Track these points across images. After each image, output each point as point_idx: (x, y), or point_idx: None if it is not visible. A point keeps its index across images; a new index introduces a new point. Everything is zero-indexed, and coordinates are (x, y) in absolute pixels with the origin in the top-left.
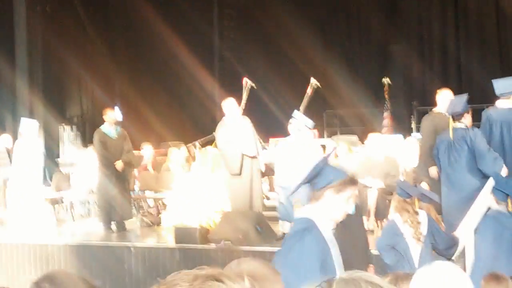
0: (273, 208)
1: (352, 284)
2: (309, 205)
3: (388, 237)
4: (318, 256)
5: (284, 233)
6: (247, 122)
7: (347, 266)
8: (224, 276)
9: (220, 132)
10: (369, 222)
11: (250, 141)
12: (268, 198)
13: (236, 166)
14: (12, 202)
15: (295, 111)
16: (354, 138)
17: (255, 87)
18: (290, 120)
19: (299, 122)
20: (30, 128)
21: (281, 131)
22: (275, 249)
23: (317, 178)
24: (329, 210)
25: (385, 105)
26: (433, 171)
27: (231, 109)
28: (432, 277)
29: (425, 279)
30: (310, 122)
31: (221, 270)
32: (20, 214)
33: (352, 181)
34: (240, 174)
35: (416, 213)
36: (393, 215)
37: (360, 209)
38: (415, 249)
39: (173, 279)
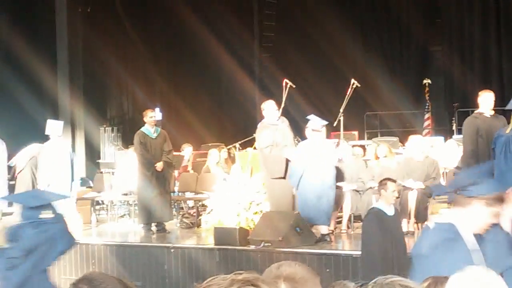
0: None
1: None
2: (450, 209)
3: None
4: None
5: (323, 235)
6: (286, 124)
7: (387, 268)
8: (260, 281)
9: (261, 134)
10: (409, 225)
11: (291, 144)
12: None
13: (280, 169)
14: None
15: (311, 115)
16: (395, 139)
17: (293, 86)
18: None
19: (312, 124)
20: (55, 129)
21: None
22: (314, 251)
23: (471, 186)
24: (474, 220)
25: (426, 106)
26: None
27: (271, 111)
28: (467, 281)
29: (460, 284)
30: (317, 125)
31: (258, 274)
32: None
33: (501, 198)
34: (284, 177)
35: None
36: None
37: (400, 211)
38: None
39: (209, 284)
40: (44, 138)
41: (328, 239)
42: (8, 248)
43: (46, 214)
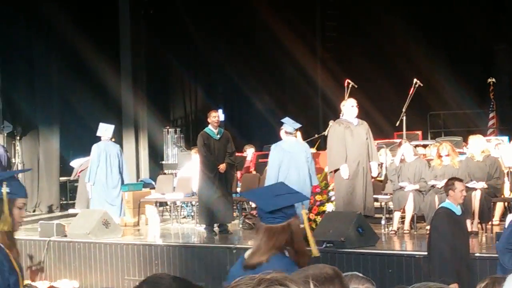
0: (379, 211)
1: None
2: None
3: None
4: None
5: None
6: (364, 127)
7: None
8: (288, 280)
9: (332, 128)
10: (473, 225)
11: (358, 146)
12: (377, 201)
13: (337, 163)
14: (95, 203)
15: (286, 118)
16: (459, 139)
17: (355, 86)
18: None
19: (286, 126)
20: (106, 131)
21: (383, 133)
22: (377, 251)
23: None
24: None
25: (490, 106)
26: None
27: (349, 108)
28: None
29: None
30: (290, 127)
31: (286, 274)
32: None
33: None
34: (350, 178)
35: None
36: None
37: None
38: None
39: (238, 284)
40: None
41: None
42: None
43: None
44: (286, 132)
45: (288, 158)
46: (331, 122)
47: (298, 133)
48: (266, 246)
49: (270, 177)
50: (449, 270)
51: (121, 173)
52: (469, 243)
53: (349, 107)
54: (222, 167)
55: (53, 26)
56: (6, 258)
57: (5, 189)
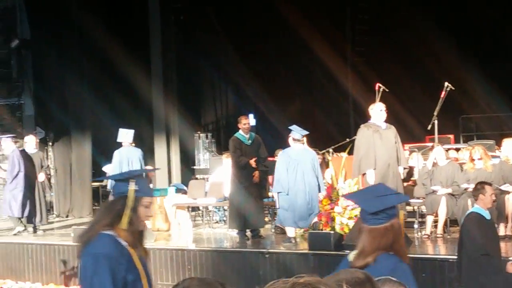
0: (412, 214)
1: None
2: None
3: None
4: None
5: (291, 237)
6: (392, 131)
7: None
8: (322, 284)
9: (360, 132)
10: (506, 229)
11: (387, 149)
12: (409, 205)
13: (381, 174)
14: None
15: (293, 125)
16: (491, 142)
17: (386, 90)
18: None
19: (294, 133)
20: (127, 136)
21: (415, 136)
22: (410, 255)
23: None
24: None
25: None
26: None
27: (377, 112)
28: None
29: None
30: (298, 134)
31: (319, 277)
32: None
33: None
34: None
35: None
36: None
37: (497, 215)
38: None
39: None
40: (140, 144)
41: (293, 241)
42: None
43: None
44: (294, 139)
45: (294, 165)
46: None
47: (304, 140)
48: (371, 247)
49: (278, 183)
50: (480, 274)
51: None
52: (500, 247)
53: (377, 111)
54: (256, 175)
55: (85, 32)
56: (126, 256)
57: (133, 187)
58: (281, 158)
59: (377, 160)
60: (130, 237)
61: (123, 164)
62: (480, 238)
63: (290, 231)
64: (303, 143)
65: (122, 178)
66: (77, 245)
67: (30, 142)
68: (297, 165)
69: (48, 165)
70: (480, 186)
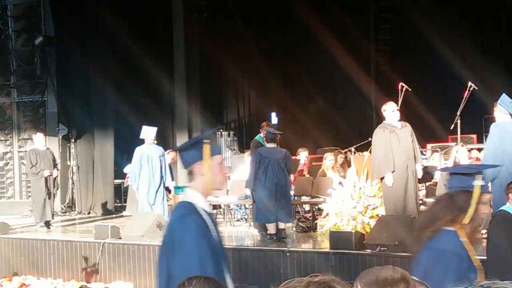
0: None
1: None
2: None
3: None
4: None
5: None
6: (408, 129)
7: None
8: (336, 283)
9: (376, 134)
10: None
11: (405, 149)
12: (425, 204)
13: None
14: (141, 205)
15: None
16: None
17: (409, 89)
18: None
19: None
20: (149, 134)
21: (437, 136)
22: None
23: None
24: None
25: None
26: None
27: (390, 112)
28: None
29: None
30: (271, 134)
31: (334, 277)
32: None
33: None
34: (398, 183)
35: None
36: None
37: None
38: None
39: (287, 286)
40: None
41: (275, 238)
42: None
43: None
44: (267, 140)
45: (265, 163)
46: None
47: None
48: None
49: (251, 179)
50: (507, 275)
51: (162, 175)
52: None
53: (390, 112)
54: None
55: (108, 31)
56: (467, 253)
57: (479, 183)
58: (253, 156)
59: (395, 162)
60: (469, 234)
61: (143, 161)
62: (508, 237)
63: (271, 228)
64: (277, 143)
65: (468, 173)
66: (413, 239)
67: (40, 140)
68: (267, 163)
69: (57, 163)
70: (511, 185)
